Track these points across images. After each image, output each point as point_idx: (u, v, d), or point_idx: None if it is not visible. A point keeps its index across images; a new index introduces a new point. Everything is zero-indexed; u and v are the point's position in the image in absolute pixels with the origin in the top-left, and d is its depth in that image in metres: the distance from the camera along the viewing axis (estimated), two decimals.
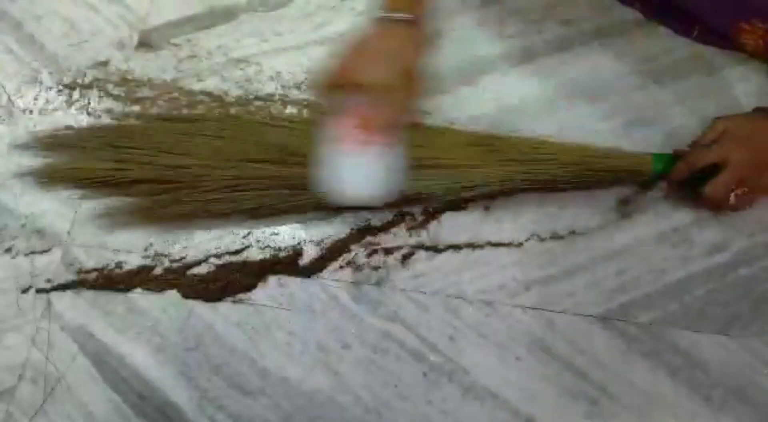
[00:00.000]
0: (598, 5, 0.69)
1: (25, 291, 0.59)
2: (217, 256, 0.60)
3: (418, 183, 0.57)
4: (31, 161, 0.63)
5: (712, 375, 0.54)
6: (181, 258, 0.60)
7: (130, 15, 0.72)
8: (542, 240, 0.59)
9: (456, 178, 0.58)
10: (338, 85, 0.52)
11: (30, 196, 0.63)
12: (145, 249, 0.60)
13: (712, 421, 0.53)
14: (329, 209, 0.59)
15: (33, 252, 0.60)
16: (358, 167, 0.53)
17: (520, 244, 0.59)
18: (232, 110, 0.65)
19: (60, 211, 0.62)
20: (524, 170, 0.58)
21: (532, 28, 0.68)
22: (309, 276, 0.59)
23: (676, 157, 0.58)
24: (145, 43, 0.70)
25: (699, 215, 0.60)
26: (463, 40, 0.68)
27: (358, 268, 0.59)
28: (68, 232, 0.61)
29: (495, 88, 0.65)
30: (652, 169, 0.58)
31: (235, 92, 0.67)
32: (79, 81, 0.68)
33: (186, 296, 0.58)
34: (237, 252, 0.60)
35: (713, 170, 0.55)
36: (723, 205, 0.56)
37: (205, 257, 0.60)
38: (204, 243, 0.60)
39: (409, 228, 0.60)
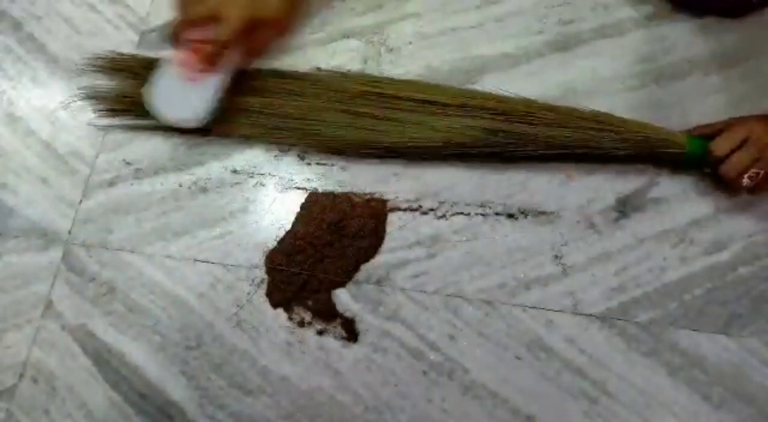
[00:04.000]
0: (598, 5, 0.69)
1: (25, 290, 0.59)
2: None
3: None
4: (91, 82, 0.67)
5: (711, 375, 0.55)
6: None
7: (130, 15, 0.72)
8: (542, 239, 0.60)
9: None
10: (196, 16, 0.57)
11: (30, 195, 0.63)
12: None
13: (711, 420, 0.53)
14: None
15: (33, 252, 0.61)
16: (176, 91, 0.59)
17: (520, 243, 0.59)
18: None
19: (61, 210, 0.62)
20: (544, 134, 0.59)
21: (532, 28, 0.69)
22: None
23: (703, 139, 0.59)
24: (145, 43, 0.70)
25: (699, 214, 0.60)
26: (463, 40, 0.68)
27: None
28: (69, 232, 0.61)
29: (495, 88, 0.65)
30: (686, 150, 0.58)
31: None
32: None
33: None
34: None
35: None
36: (737, 184, 0.57)
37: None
38: (196, 245, 0.60)
39: (410, 227, 0.60)
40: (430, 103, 0.62)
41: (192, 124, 0.60)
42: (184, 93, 0.59)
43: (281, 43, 0.63)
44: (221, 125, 0.62)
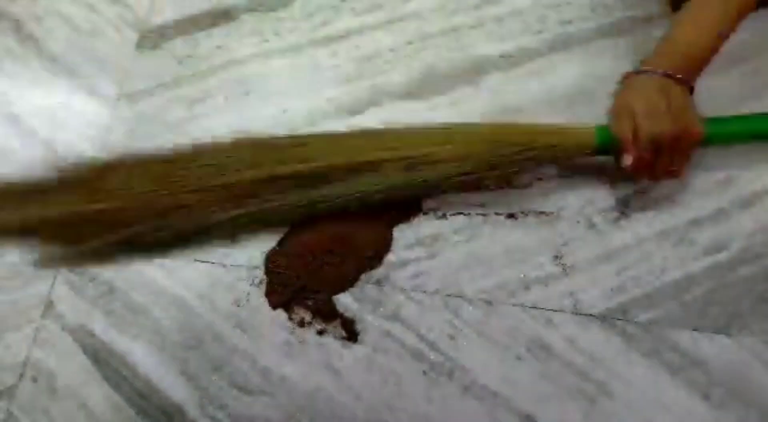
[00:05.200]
0: (598, 5, 0.69)
1: (25, 290, 0.59)
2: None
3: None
4: None
5: (711, 375, 0.55)
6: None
7: (130, 15, 0.72)
8: (542, 239, 0.60)
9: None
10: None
11: None
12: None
13: (711, 420, 0.53)
14: None
15: (33, 252, 0.61)
16: None
17: (520, 243, 0.59)
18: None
19: None
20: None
21: (532, 28, 0.69)
22: None
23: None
24: (146, 43, 0.70)
25: (699, 214, 0.60)
26: (463, 40, 0.68)
27: None
28: None
29: (495, 88, 0.65)
30: (595, 143, 0.56)
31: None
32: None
33: None
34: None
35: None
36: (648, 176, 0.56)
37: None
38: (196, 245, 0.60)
39: (410, 227, 0.60)
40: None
41: None
42: None
43: None
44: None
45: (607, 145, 0.56)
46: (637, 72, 0.56)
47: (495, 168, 0.56)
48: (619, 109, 0.56)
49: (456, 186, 0.58)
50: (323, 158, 0.57)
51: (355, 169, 0.57)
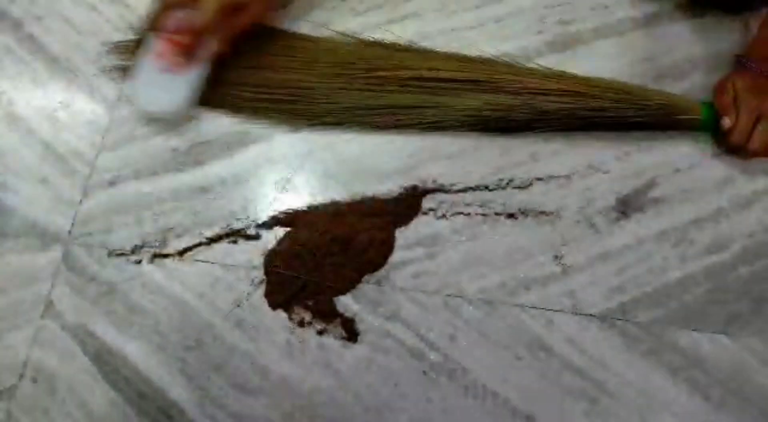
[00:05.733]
0: (598, 5, 0.69)
1: (25, 290, 0.59)
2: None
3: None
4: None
5: (711, 374, 0.55)
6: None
7: (130, 15, 0.72)
8: (542, 239, 0.60)
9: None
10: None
11: (30, 195, 0.63)
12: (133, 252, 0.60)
13: (711, 420, 0.53)
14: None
15: (33, 252, 0.61)
16: (156, 82, 0.60)
17: (520, 243, 0.59)
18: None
19: (61, 210, 0.62)
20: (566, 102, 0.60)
21: (532, 28, 0.69)
22: None
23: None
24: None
25: (699, 214, 0.60)
26: (461, 40, 0.68)
27: None
28: (69, 232, 0.61)
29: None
30: (700, 114, 0.61)
31: None
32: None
33: None
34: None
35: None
36: (745, 145, 0.59)
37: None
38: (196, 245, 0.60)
39: (410, 227, 0.60)
40: (453, 80, 0.62)
41: (171, 116, 0.61)
42: (164, 84, 0.60)
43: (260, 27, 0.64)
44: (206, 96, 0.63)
45: (711, 118, 0.60)
46: (744, 60, 0.62)
47: (607, 113, 0.60)
48: (722, 83, 0.61)
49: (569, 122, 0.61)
50: (446, 71, 0.63)
51: (477, 87, 0.62)
